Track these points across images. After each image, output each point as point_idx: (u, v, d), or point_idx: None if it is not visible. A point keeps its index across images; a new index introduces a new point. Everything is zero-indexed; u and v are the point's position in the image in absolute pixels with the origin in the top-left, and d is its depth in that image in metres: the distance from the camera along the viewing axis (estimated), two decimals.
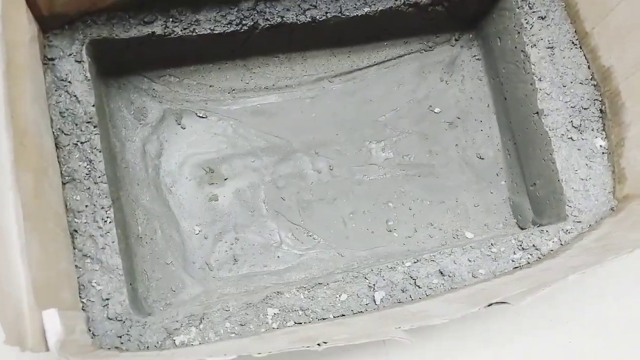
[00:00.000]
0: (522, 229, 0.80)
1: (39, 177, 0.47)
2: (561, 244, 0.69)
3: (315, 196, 0.78)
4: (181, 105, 0.76)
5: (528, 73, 0.75)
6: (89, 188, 0.60)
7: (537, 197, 0.77)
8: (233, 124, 0.78)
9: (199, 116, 0.77)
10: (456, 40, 0.86)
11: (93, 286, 0.58)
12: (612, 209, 0.70)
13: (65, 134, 0.60)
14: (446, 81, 0.85)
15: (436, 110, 0.84)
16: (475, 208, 0.81)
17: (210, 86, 0.77)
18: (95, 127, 0.61)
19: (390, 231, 0.79)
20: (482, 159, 0.83)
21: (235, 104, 0.78)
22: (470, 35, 0.86)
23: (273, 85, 0.80)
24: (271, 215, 0.76)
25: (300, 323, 0.63)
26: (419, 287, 0.66)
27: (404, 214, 0.80)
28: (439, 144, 0.83)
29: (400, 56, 0.85)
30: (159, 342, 0.59)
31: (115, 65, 0.71)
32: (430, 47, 0.85)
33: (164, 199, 0.73)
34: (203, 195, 0.75)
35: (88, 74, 0.62)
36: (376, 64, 0.84)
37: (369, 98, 0.83)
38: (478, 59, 0.86)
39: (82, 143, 0.61)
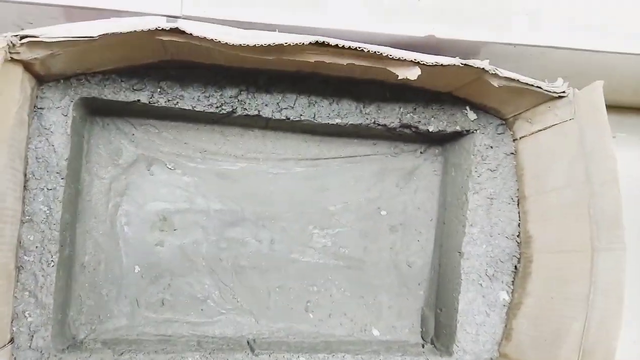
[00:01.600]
0: (423, 339, 0.90)
1: None
2: None
3: (250, 264, 0.87)
4: (154, 154, 0.84)
5: (463, 215, 0.82)
6: (43, 231, 0.68)
7: (439, 320, 0.86)
8: (197, 181, 0.86)
9: (168, 167, 0.84)
10: (421, 152, 0.93)
11: (25, 317, 0.67)
12: (491, 359, 0.79)
13: (35, 178, 0.69)
14: (401, 188, 0.93)
15: (383, 212, 0.92)
16: (388, 309, 0.90)
17: (185, 143, 0.85)
18: (62, 179, 0.69)
19: (308, 311, 0.88)
20: (410, 267, 0.92)
21: (203, 163, 0.86)
22: (436, 151, 0.93)
23: (242, 155, 0.87)
24: (206, 271, 0.85)
25: None
26: None
27: (324, 299, 0.89)
28: (375, 244, 0.91)
29: (366, 155, 0.92)
30: None
31: (103, 108, 0.79)
32: (395, 154, 0.92)
33: (116, 235, 0.82)
34: (151, 239, 0.83)
35: (69, 130, 0.70)
36: (341, 157, 0.91)
37: (326, 186, 0.90)
38: (437, 174, 0.93)
39: (48, 190, 0.69)
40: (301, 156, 0.89)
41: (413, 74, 0.62)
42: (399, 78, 0.65)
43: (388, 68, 0.65)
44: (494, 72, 0.65)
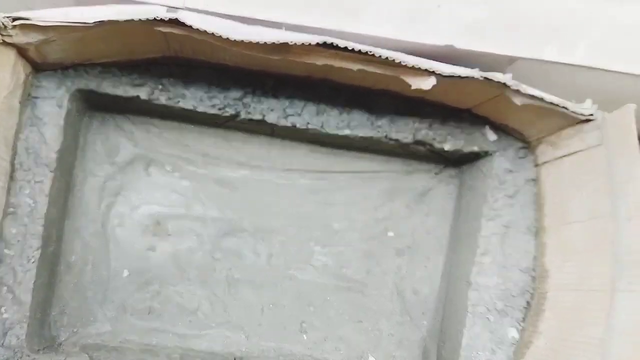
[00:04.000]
0: None
1: None
2: None
3: (245, 277, 0.82)
4: (153, 154, 0.80)
5: (475, 243, 0.77)
6: (26, 225, 0.65)
7: (441, 354, 0.80)
8: (195, 186, 0.82)
9: (166, 169, 0.81)
10: (436, 173, 0.88)
11: (1, 313, 0.64)
12: None
13: (23, 169, 0.65)
14: (411, 209, 0.87)
15: (390, 234, 0.86)
16: (389, 337, 0.85)
17: (185, 145, 0.81)
18: (51, 172, 0.66)
19: (302, 332, 0.83)
20: (415, 294, 0.86)
21: (204, 168, 0.82)
22: (452, 173, 0.88)
23: (245, 162, 0.83)
24: (198, 282, 0.81)
25: None
26: None
27: (320, 321, 0.83)
28: (379, 267, 0.86)
29: (376, 172, 0.87)
30: None
31: (102, 104, 0.75)
32: (408, 172, 0.87)
33: (106, 236, 0.78)
34: (143, 243, 0.80)
35: (62, 122, 0.67)
36: (350, 172, 0.86)
37: (331, 202, 0.85)
38: (451, 197, 0.87)
39: (35, 182, 0.66)
40: (307, 168, 0.85)
41: (427, 84, 0.57)
42: (412, 88, 0.60)
43: (401, 77, 0.61)
44: (516, 89, 0.60)
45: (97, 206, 0.78)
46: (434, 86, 0.58)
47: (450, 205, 0.87)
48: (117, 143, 0.79)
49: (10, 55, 0.57)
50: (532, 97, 0.62)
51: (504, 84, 0.60)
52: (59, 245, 0.74)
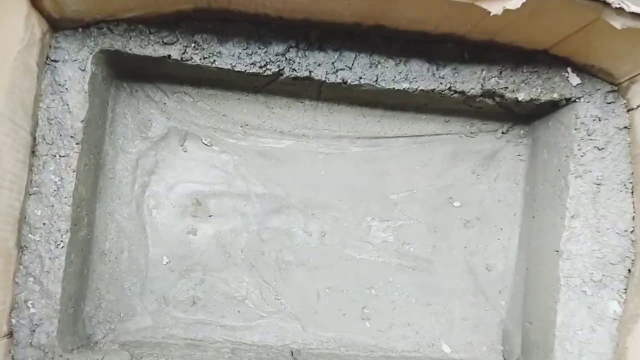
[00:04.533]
0: None
1: None
2: None
3: (297, 259, 0.73)
4: (188, 127, 0.72)
5: (562, 205, 0.66)
6: (52, 205, 0.57)
7: (528, 337, 0.69)
8: (236, 160, 0.73)
9: (203, 143, 0.73)
10: (503, 133, 0.77)
11: (28, 307, 0.56)
12: None
13: (46, 142, 0.58)
14: (478, 175, 0.77)
15: (456, 203, 0.76)
16: (462, 321, 0.75)
17: (223, 115, 0.73)
18: (77, 144, 0.58)
19: (364, 319, 0.73)
20: (489, 270, 0.76)
21: (244, 140, 0.73)
22: (522, 131, 0.77)
23: (289, 131, 0.74)
24: (245, 267, 0.72)
25: None
26: None
27: (383, 305, 0.74)
28: (446, 241, 0.76)
29: (436, 134, 0.77)
30: None
31: (130, 70, 0.68)
32: (472, 133, 0.77)
33: (142, 220, 0.70)
34: (183, 226, 0.71)
35: (87, 86, 0.59)
36: (406, 136, 0.77)
37: (387, 171, 0.76)
38: (522, 160, 0.77)
39: (60, 157, 0.58)
40: (358, 134, 0.76)
41: (514, 3, 0.47)
42: (492, 14, 0.50)
43: (477, 3, 0.51)
44: (618, 6, 0.50)
45: (130, 187, 0.70)
46: (522, 4, 0.48)
47: (521, 168, 0.77)
48: (149, 116, 0.71)
49: (22, 3, 0.50)
50: (637, 16, 0.51)
51: (603, 1, 0.50)
52: (90, 231, 0.66)
